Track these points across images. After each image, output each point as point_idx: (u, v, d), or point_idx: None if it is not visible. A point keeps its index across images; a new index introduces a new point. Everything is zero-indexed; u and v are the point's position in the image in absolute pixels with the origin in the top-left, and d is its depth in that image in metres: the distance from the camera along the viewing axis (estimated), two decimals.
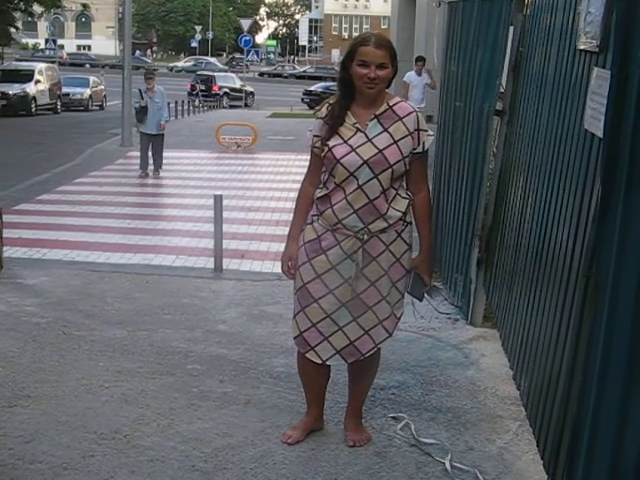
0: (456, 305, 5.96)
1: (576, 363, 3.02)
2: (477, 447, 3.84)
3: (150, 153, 14.24)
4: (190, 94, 35.89)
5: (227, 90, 38.22)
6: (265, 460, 3.63)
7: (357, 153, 3.39)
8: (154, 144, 14.21)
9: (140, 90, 14.35)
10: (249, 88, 40.99)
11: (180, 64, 69.24)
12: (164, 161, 14.43)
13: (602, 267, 2.74)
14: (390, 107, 3.46)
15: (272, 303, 6.14)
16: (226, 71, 53.72)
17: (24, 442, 3.73)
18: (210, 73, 42.38)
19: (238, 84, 40.26)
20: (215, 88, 37.23)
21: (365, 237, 3.44)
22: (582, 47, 3.31)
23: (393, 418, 4.10)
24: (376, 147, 3.39)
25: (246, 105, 38.48)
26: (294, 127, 22.76)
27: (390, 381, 4.57)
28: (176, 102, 27.52)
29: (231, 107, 36.81)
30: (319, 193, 3.53)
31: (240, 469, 3.55)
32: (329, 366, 3.76)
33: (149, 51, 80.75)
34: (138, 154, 14.46)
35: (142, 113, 14.07)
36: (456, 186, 6.22)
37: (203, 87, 37.31)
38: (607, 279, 2.67)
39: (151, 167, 14.27)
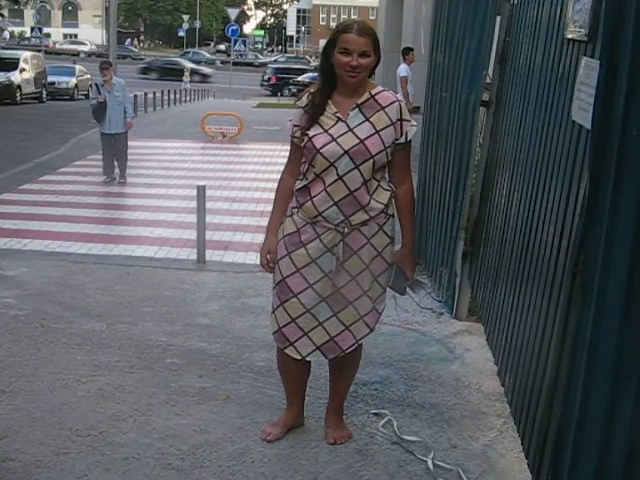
0: (440, 300, 5.89)
1: (562, 360, 2.96)
2: (460, 445, 3.77)
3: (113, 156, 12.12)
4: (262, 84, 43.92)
5: (291, 81, 41.73)
6: (243, 458, 3.54)
7: (338, 143, 3.29)
8: (117, 145, 12.01)
9: (96, 84, 11.93)
10: None
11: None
12: (145, 151, 13.34)
13: (589, 263, 2.67)
14: (372, 96, 3.37)
15: (254, 295, 6.05)
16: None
17: None
18: (277, 66, 47.40)
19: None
20: (273, 79, 42.82)
21: (346, 230, 3.35)
22: (570, 36, 3.24)
23: (375, 414, 4.02)
24: (357, 137, 3.29)
25: None
26: (281, 117, 22.60)
27: (373, 376, 4.49)
28: (162, 92, 27.44)
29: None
30: (299, 185, 3.44)
31: (217, 467, 3.46)
32: (309, 362, 3.67)
33: (135, 40, 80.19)
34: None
35: (100, 110, 11.78)
36: (442, 178, 6.15)
37: (266, 77, 43.84)
38: (594, 275, 2.59)
39: (116, 173, 12.16)
